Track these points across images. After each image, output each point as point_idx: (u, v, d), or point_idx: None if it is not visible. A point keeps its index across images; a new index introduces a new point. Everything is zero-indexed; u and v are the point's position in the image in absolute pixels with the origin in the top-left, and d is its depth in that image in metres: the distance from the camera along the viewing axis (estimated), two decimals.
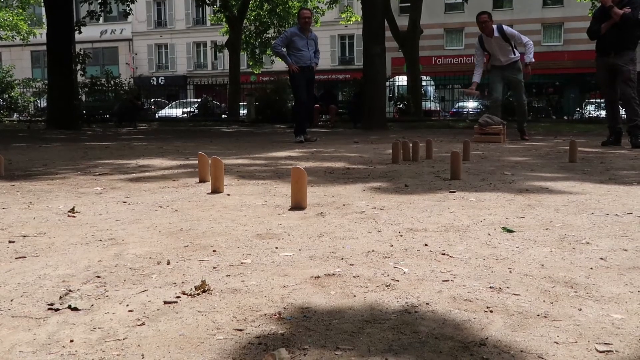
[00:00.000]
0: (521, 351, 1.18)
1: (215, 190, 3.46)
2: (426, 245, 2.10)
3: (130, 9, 19.59)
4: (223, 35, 30.13)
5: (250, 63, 31.14)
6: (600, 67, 7.31)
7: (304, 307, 1.44)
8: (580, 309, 1.42)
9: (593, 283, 1.63)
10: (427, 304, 1.47)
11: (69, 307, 1.45)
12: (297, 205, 2.90)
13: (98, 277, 1.71)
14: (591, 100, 28.57)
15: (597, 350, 1.18)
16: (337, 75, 38.46)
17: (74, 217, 2.70)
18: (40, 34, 25.06)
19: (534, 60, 8.42)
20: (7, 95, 26.55)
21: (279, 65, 39.90)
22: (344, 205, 2.98)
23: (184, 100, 33.91)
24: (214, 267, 1.81)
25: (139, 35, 46.07)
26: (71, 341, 1.24)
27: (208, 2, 21.78)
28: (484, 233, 2.29)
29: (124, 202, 3.12)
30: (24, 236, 2.29)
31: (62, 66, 14.67)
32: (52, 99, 15.16)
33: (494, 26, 8.42)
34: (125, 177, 4.29)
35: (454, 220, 2.54)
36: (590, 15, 24.36)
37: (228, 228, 2.42)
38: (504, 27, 8.45)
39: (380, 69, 13.45)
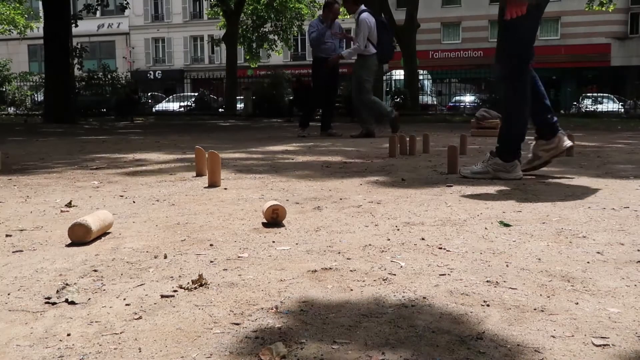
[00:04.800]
0: (518, 345, 1.18)
1: (212, 184, 3.46)
2: (423, 239, 2.10)
3: (127, 3, 19.55)
4: (220, 29, 30.10)
5: (247, 57, 31.13)
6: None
7: (301, 301, 1.44)
8: (577, 303, 1.42)
9: (590, 277, 1.63)
10: (424, 298, 1.47)
11: (66, 301, 1.44)
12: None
13: (95, 271, 1.71)
14: (588, 94, 28.62)
15: (593, 344, 1.18)
16: None
17: (68, 211, 2.70)
18: (38, 28, 24.97)
19: (343, 56, 8.31)
20: (4, 89, 26.47)
21: (276, 59, 39.92)
22: (340, 199, 2.98)
23: (181, 94, 33.89)
24: (211, 261, 1.81)
25: (136, 29, 45.96)
26: (68, 335, 1.24)
27: None
28: (481, 227, 2.29)
29: (121, 196, 3.12)
30: (21, 230, 2.29)
31: (59, 60, 14.62)
32: (49, 93, 15.12)
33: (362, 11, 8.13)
34: (122, 171, 4.28)
35: (450, 215, 2.54)
36: (587, 9, 24.39)
37: (225, 222, 2.42)
38: (362, 14, 8.04)
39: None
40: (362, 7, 8.17)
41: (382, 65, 8.25)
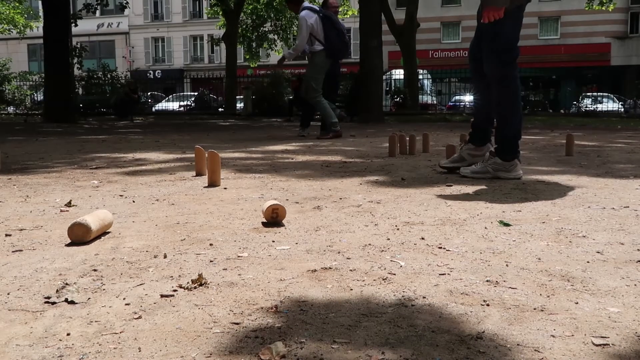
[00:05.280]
0: (517, 345, 1.18)
1: (212, 183, 3.46)
2: (423, 238, 2.10)
3: (127, 2, 19.55)
4: (220, 29, 30.11)
5: (247, 57, 31.14)
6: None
7: (300, 301, 1.44)
8: (577, 303, 1.42)
9: (590, 276, 1.63)
10: (424, 297, 1.47)
11: (66, 300, 1.44)
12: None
13: (95, 270, 1.71)
14: (588, 93, 28.66)
15: (593, 344, 1.18)
16: None
17: (68, 211, 2.69)
18: (37, 27, 24.95)
19: (285, 57, 7.86)
20: (3, 89, 26.47)
21: (275, 58, 39.88)
22: (340, 198, 2.98)
23: (181, 93, 33.91)
24: (211, 261, 1.81)
25: (136, 29, 45.95)
26: (68, 334, 1.24)
27: None
28: (481, 227, 2.29)
29: (121, 196, 3.12)
30: (21, 229, 2.29)
31: (59, 59, 14.61)
32: (49, 93, 15.12)
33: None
34: (122, 170, 4.28)
35: (450, 214, 2.54)
36: (587, 9, 24.40)
37: (225, 221, 2.42)
38: (302, 12, 7.62)
39: (377, 62, 13.44)
40: (305, 3, 7.80)
41: (335, 61, 7.86)
